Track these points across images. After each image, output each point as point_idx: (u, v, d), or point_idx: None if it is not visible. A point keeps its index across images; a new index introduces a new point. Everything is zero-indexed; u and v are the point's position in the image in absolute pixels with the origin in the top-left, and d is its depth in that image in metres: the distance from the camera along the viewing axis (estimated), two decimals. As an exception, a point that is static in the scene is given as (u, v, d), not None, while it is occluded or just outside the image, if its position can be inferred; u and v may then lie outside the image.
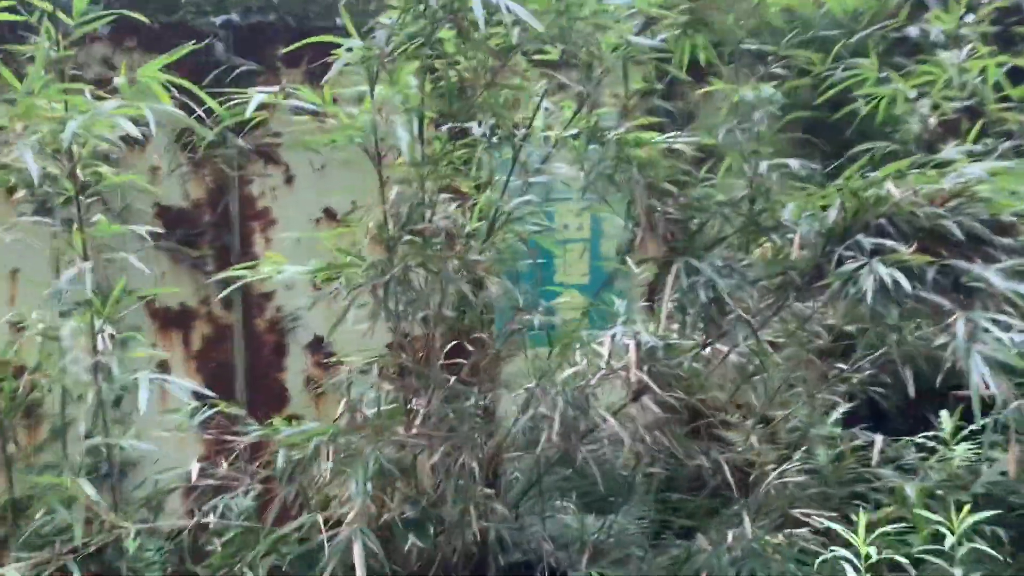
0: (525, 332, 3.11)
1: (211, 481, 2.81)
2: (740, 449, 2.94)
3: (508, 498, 3.14)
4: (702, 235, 2.44)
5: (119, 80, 2.20)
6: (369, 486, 2.18)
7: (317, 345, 3.69)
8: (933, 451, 3.28)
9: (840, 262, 2.14)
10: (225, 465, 2.74)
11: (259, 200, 3.69)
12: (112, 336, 2.19)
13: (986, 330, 1.84)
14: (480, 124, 2.54)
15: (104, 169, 2.26)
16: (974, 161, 2.19)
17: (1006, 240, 2.18)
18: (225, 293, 2.93)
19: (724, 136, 2.71)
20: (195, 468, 2.84)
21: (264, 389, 3.69)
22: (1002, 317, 1.86)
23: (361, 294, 2.37)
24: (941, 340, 1.92)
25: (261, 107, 2.41)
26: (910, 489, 3.04)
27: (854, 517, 3.21)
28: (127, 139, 3.58)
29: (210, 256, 3.60)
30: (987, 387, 1.81)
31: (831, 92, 2.87)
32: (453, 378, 2.52)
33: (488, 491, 2.87)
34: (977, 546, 2.25)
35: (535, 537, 3.05)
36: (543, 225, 2.65)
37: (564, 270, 4.24)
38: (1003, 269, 1.98)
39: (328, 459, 2.25)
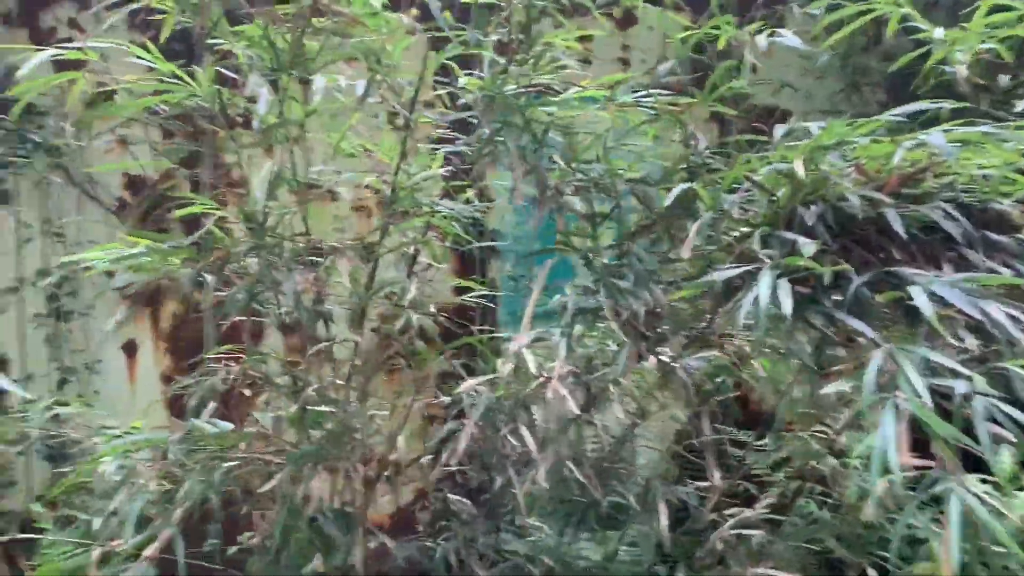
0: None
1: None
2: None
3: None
4: (620, 223, 1.92)
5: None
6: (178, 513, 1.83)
7: (291, 327, 3.39)
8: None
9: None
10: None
11: (235, 169, 3.42)
12: None
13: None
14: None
15: None
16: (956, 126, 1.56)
17: (1002, 238, 1.55)
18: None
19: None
20: (106, 463, 2.65)
21: (237, 373, 3.42)
22: (936, 355, 1.27)
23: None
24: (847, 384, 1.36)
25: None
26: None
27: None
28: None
29: (180, 228, 3.35)
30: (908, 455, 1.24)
31: (841, 32, 2.23)
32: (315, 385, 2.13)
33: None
34: None
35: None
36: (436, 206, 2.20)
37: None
38: (965, 280, 1.37)
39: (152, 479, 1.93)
